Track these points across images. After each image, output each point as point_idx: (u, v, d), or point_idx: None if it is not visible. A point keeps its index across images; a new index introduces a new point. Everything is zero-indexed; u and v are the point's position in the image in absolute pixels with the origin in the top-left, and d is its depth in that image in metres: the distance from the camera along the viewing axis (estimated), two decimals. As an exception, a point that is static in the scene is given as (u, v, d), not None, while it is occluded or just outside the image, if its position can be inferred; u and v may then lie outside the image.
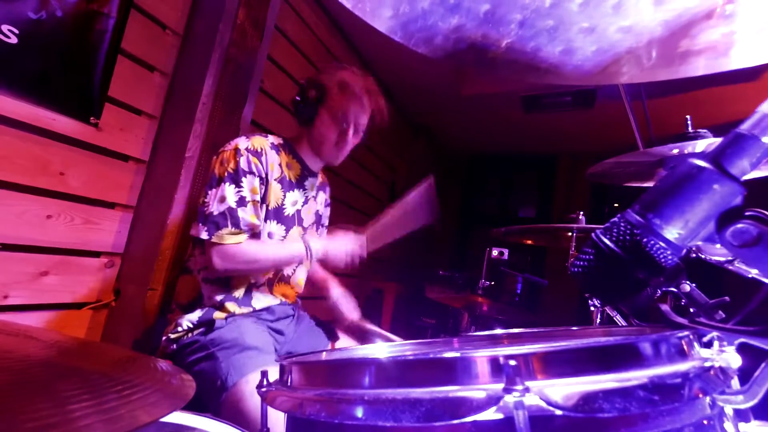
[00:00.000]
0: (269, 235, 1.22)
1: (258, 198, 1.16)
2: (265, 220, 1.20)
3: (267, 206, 1.19)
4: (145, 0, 1.41)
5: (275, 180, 1.21)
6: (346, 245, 1.25)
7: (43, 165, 1.22)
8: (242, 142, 1.18)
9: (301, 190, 1.29)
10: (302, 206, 1.29)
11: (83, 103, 1.27)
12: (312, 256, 1.20)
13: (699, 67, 0.71)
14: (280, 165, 1.23)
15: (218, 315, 1.15)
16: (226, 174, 1.14)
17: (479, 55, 0.79)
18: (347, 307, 1.42)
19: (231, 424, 0.68)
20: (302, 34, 2.28)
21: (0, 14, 1.06)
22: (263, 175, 1.17)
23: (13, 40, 1.09)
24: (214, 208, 1.11)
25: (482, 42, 0.76)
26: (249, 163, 1.15)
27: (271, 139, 1.25)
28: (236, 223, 1.11)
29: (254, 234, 1.17)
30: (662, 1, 0.67)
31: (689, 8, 0.67)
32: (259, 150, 1.18)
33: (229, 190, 1.13)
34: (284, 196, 1.23)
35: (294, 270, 1.32)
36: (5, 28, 1.07)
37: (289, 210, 1.25)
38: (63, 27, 1.19)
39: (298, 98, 1.28)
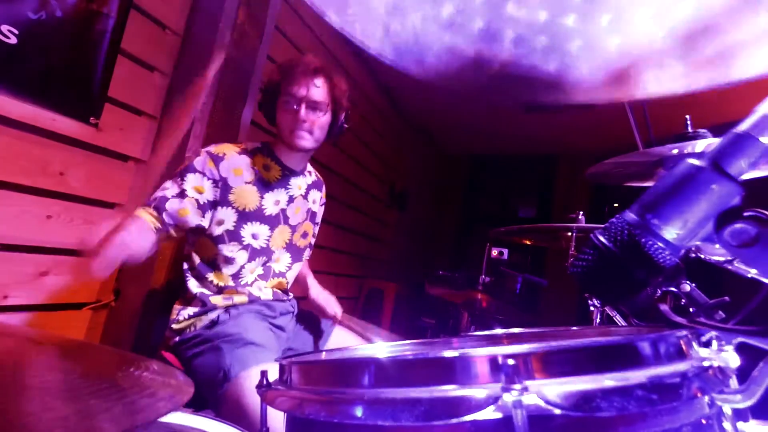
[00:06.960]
0: (253, 236, 1.23)
1: (204, 198, 1.16)
2: (245, 222, 1.21)
3: (239, 210, 1.20)
4: (145, 0, 1.42)
5: (246, 183, 1.22)
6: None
7: (43, 165, 1.22)
8: (209, 147, 1.22)
9: (285, 189, 1.31)
10: (287, 205, 1.31)
11: (83, 103, 1.27)
12: (164, 229, 1.11)
13: (700, 82, 0.71)
14: (253, 167, 1.24)
15: (218, 301, 1.18)
16: (177, 171, 1.18)
17: (475, 75, 0.78)
18: (329, 303, 1.44)
19: (231, 424, 0.68)
20: (302, 34, 2.28)
21: (0, 14, 1.07)
22: (216, 178, 1.18)
23: (13, 40, 1.09)
24: (152, 196, 1.13)
25: (477, 62, 0.75)
26: (203, 164, 1.17)
27: (246, 145, 1.28)
28: (158, 208, 1.11)
29: (180, 229, 1.16)
30: (660, 15, 0.67)
31: (687, 22, 0.67)
32: (220, 155, 1.20)
33: (169, 183, 1.15)
34: (262, 197, 1.24)
35: (290, 266, 1.35)
36: (5, 28, 1.07)
37: (271, 210, 1.26)
38: (63, 27, 1.19)
39: (259, 106, 1.32)
